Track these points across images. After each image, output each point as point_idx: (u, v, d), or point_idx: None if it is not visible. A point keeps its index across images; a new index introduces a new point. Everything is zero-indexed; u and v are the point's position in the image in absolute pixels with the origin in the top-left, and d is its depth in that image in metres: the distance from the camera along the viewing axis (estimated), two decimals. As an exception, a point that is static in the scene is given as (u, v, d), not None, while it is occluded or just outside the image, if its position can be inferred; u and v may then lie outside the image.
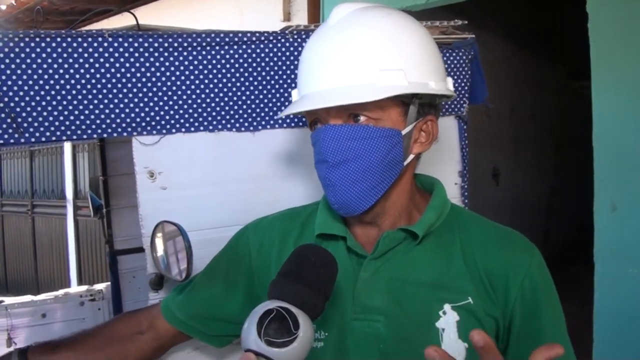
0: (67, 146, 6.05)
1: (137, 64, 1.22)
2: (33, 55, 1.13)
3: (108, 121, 1.20)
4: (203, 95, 1.29)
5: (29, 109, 1.13)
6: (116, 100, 1.21)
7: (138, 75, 1.22)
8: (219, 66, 1.30)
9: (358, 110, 0.90)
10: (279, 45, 1.35)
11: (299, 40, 1.37)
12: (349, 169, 0.91)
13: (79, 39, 1.17)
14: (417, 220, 0.99)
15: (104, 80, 1.19)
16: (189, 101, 1.28)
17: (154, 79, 1.24)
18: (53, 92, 1.15)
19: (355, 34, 0.91)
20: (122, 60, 1.21)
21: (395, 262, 0.97)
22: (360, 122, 0.91)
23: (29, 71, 1.13)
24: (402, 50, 0.91)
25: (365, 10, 0.95)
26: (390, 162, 0.92)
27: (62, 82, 1.16)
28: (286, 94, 1.37)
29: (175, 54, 1.26)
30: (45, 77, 1.14)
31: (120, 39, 1.20)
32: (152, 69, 1.24)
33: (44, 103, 1.14)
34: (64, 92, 1.16)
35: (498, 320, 0.93)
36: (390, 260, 0.97)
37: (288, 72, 1.37)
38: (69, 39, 1.16)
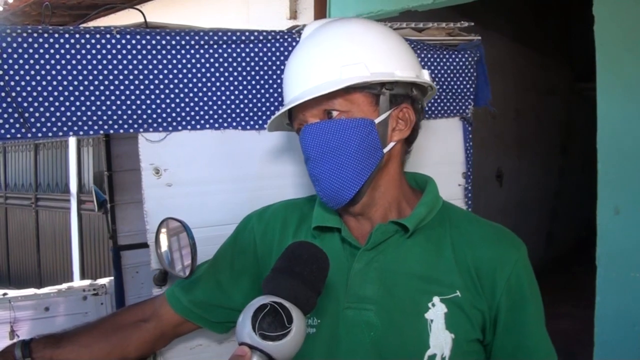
0: (72, 140, 6.06)
1: (145, 61, 1.23)
2: (41, 50, 1.14)
3: (115, 117, 1.21)
4: (209, 93, 1.30)
5: (36, 104, 1.14)
6: (123, 97, 1.22)
7: (145, 72, 1.23)
8: (225, 64, 1.31)
9: (328, 106, 0.97)
10: (286, 44, 1.36)
11: (306, 39, 1.37)
12: (329, 160, 0.97)
13: (87, 35, 1.17)
14: (409, 215, 1.03)
15: (111, 77, 1.20)
16: (195, 99, 1.29)
17: (160, 76, 1.25)
18: (60, 88, 1.16)
19: (319, 40, 1.01)
20: (129, 57, 1.21)
21: (387, 254, 1.01)
22: (333, 116, 0.97)
23: (37, 66, 1.14)
24: (362, 46, 0.99)
25: (330, 22, 1.04)
26: (367, 150, 0.97)
27: (70, 77, 1.16)
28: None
29: (183, 51, 1.26)
30: (53, 72, 1.15)
31: (128, 36, 1.21)
32: (160, 66, 1.24)
33: (51, 98, 1.15)
34: (71, 88, 1.17)
35: (484, 313, 0.97)
36: (382, 252, 1.01)
37: (294, 71, 1.37)
38: (77, 35, 1.17)
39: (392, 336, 0.96)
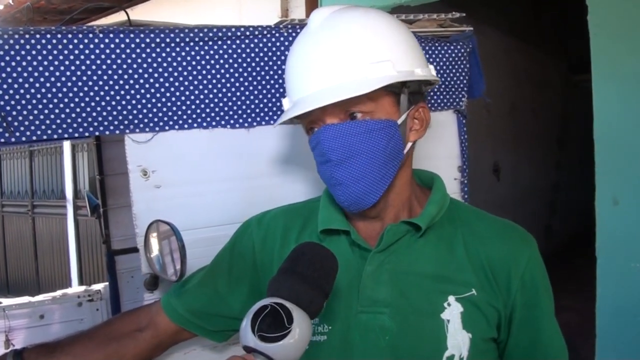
0: (67, 146, 6.04)
1: (129, 60, 1.20)
2: (23, 52, 1.11)
3: (100, 119, 1.19)
4: (196, 92, 1.27)
5: (19, 107, 1.11)
6: (108, 98, 1.19)
7: (130, 71, 1.20)
8: (212, 61, 1.28)
9: (352, 106, 0.92)
10: (273, 39, 1.33)
11: (294, 34, 1.35)
12: (353, 164, 0.93)
13: (69, 35, 1.15)
14: (419, 214, 1.00)
15: (95, 77, 1.17)
16: (182, 97, 1.26)
17: (145, 75, 1.22)
18: (43, 90, 1.13)
19: (340, 33, 0.94)
20: (113, 56, 1.19)
21: (399, 254, 0.98)
22: (357, 118, 0.93)
23: (19, 68, 1.11)
24: (387, 42, 0.94)
25: (343, 11, 0.98)
26: (391, 153, 0.94)
27: (53, 79, 1.14)
28: (281, 90, 1.35)
29: (168, 49, 1.23)
30: (35, 74, 1.12)
31: (111, 35, 1.18)
32: (144, 65, 1.22)
33: (34, 101, 1.12)
34: (54, 90, 1.14)
35: (500, 311, 0.96)
36: (394, 253, 0.98)
37: (283, 67, 1.34)
38: (59, 36, 1.14)
39: (408, 339, 0.94)
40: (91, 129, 1.18)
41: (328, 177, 0.96)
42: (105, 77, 1.18)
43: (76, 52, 1.15)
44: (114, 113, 1.20)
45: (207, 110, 1.29)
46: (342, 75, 0.91)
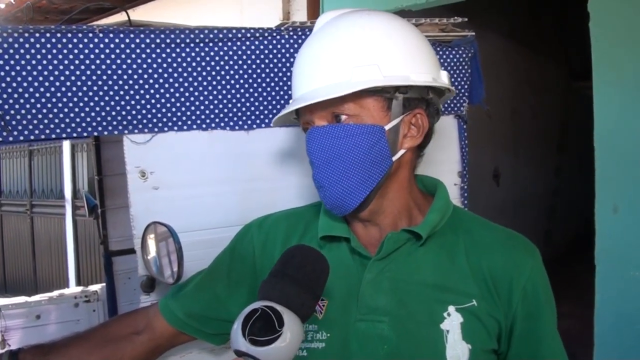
0: (66, 145, 6.03)
1: (129, 61, 1.20)
2: (22, 51, 1.10)
3: (98, 119, 1.18)
4: (196, 93, 1.27)
5: (17, 106, 1.11)
6: (107, 98, 1.18)
7: (129, 72, 1.20)
8: (212, 63, 1.28)
9: (336, 109, 0.92)
10: (274, 42, 1.33)
11: (294, 37, 1.34)
12: (333, 167, 0.93)
13: (69, 35, 1.14)
14: (421, 222, 0.99)
15: (94, 77, 1.17)
16: (182, 99, 1.26)
17: (145, 76, 1.22)
18: (42, 89, 1.13)
19: (331, 36, 0.95)
20: (113, 56, 1.18)
21: (399, 263, 0.97)
22: (342, 121, 0.92)
23: (18, 67, 1.10)
24: (377, 46, 0.93)
25: (345, 14, 0.98)
26: (375, 158, 0.93)
27: (52, 78, 1.13)
28: (281, 92, 1.34)
29: (168, 50, 1.23)
30: (35, 73, 1.12)
31: (112, 35, 1.18)
32: (144, 66, 1.21)
33: (33, 100, 1.12)
34: (53, 89, 1.13)
35: (500, 322, 0.94)
36: (394, 261, 0.97)
37: (284, 69, 1.34)
38: (59, 35, 1.13)
39: (407, 349, 0.93)
40: (90, 129, 1.17)
41: (313, 179, 0.97)
42: (104, 77, 1.18)
43: (76, 51, 1.15)
44: (113, 113, 1.19)
45: (207, 111, 1.28)
46: (328, 78, 0.92)
